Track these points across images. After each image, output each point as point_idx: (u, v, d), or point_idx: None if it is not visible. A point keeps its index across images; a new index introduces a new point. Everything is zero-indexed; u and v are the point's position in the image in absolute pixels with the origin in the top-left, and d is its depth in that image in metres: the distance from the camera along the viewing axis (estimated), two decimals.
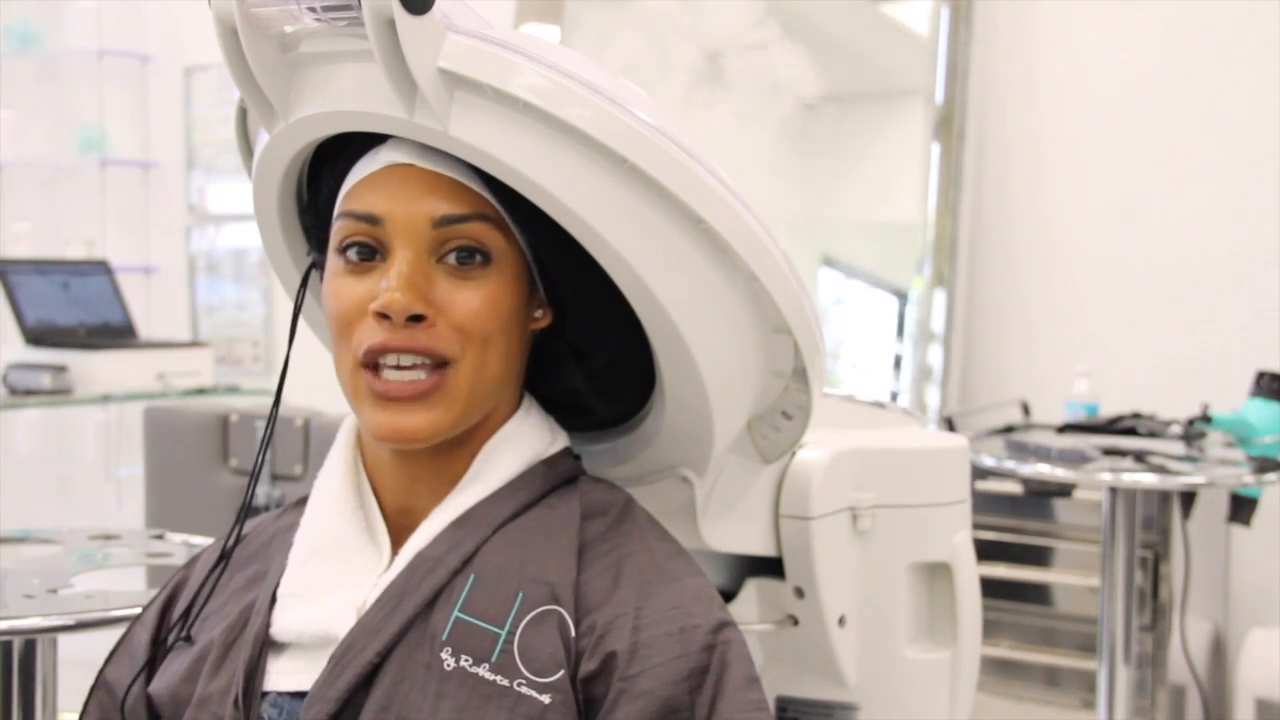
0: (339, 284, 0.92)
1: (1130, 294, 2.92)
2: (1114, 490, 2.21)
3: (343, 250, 0.92)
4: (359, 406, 0.93)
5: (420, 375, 0.90)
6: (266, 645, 0.92)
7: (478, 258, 0.91)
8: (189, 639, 0.98)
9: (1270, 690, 2.51)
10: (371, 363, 0.90)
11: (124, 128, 3.99)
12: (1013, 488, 2.61)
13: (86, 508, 3.88)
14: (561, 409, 1.03)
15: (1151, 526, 2.49)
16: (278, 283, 1.08)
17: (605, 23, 3.31)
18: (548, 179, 0.86)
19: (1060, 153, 3.00)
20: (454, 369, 0.90)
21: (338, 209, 0.93)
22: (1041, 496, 2.60)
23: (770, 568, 1.19)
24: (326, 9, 0.85)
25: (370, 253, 0.91)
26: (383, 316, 0.88)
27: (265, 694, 0.91)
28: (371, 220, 0.90)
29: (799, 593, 1.17)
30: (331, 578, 0.93)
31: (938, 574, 1.25)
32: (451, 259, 0.90)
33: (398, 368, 0.90)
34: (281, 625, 0.92)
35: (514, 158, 0.86)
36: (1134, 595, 2.23)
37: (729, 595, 1.20)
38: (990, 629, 2.61)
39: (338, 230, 0.92)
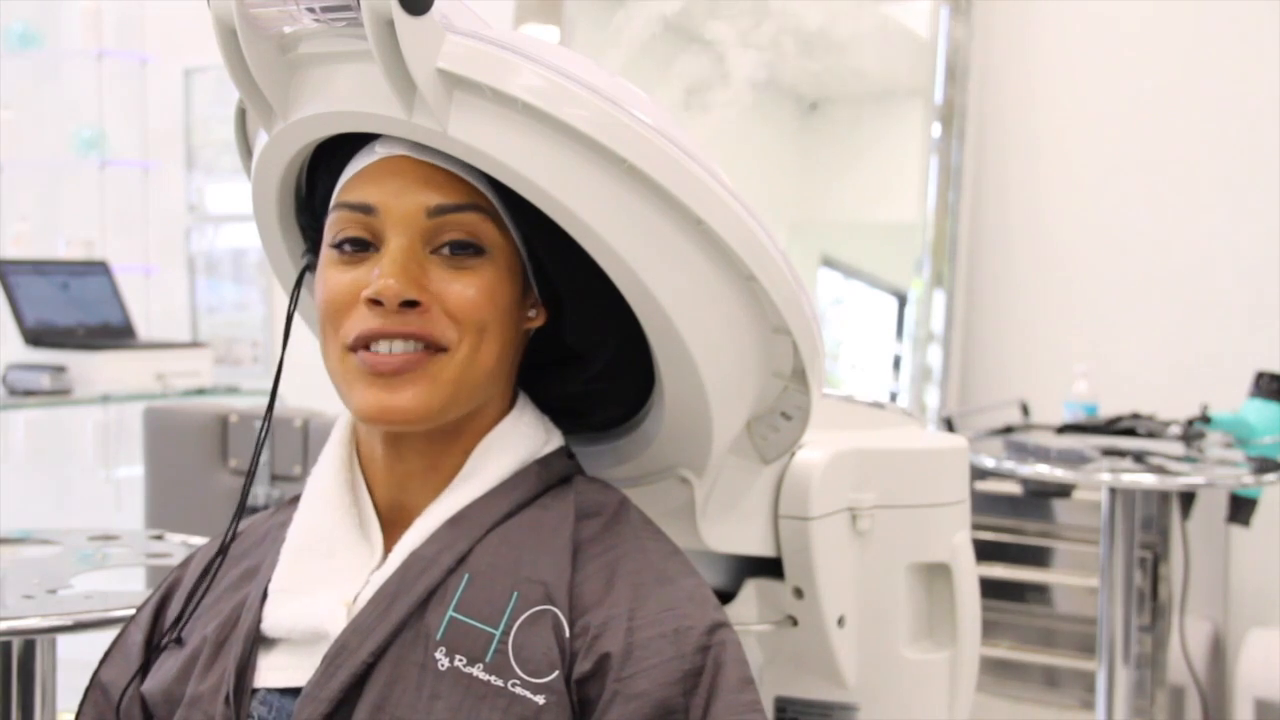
0: (331, 273, 0.92)
1: (1130, 294, 2.92)
2: (1113, 491, 2.20)
3: (337, 243, 0.92)
4: (347, 389, 0.92)
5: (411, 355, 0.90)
6: (257, 642, 0.92)
7: (471, 249, 0.91)
8: (180, 641, 0.98)
9: (1270, 690, 2.51)
10: (360, 347, 0.90)
11: (123, 128, 3.99)
12: (1012, 488, 2.61)
13: (86, 508, 3.88)
14: (561, 411, 1.02)
15: (1151, 527, 2.49)
16: (277, 283, 1.08)
17: (605, 23, 3.31)
18: (547, 179, 0.86)
19: (1060, 153, 3.00)
20: (448, 355, 0.90)
21: (332, 201, 0.93)
22: (1041, 497, 2.60)
23: (770, 568, 1.19)
24: (325, 9, 0.85)
25: (364, 246, 0.91)
26: (375, 303, 0.88)
27: (255, 691, 0.91)
28: (366, 210, 0.90)
29: (798, 593, 1.17)
30: (322, 574, 0.93)
31: (937, 574, 1.25)
32: (445, 250, 0.90)
33: (390, 355, 0.90)
34: (272, 621, 0.92)
35: (513, 158, 0.86)
36: (1133, 595, 2.23)
37: (728, 596, 1.20)
38: (990, 629, 2.61)
39: (332, 222, 0.92)
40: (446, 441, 0.95)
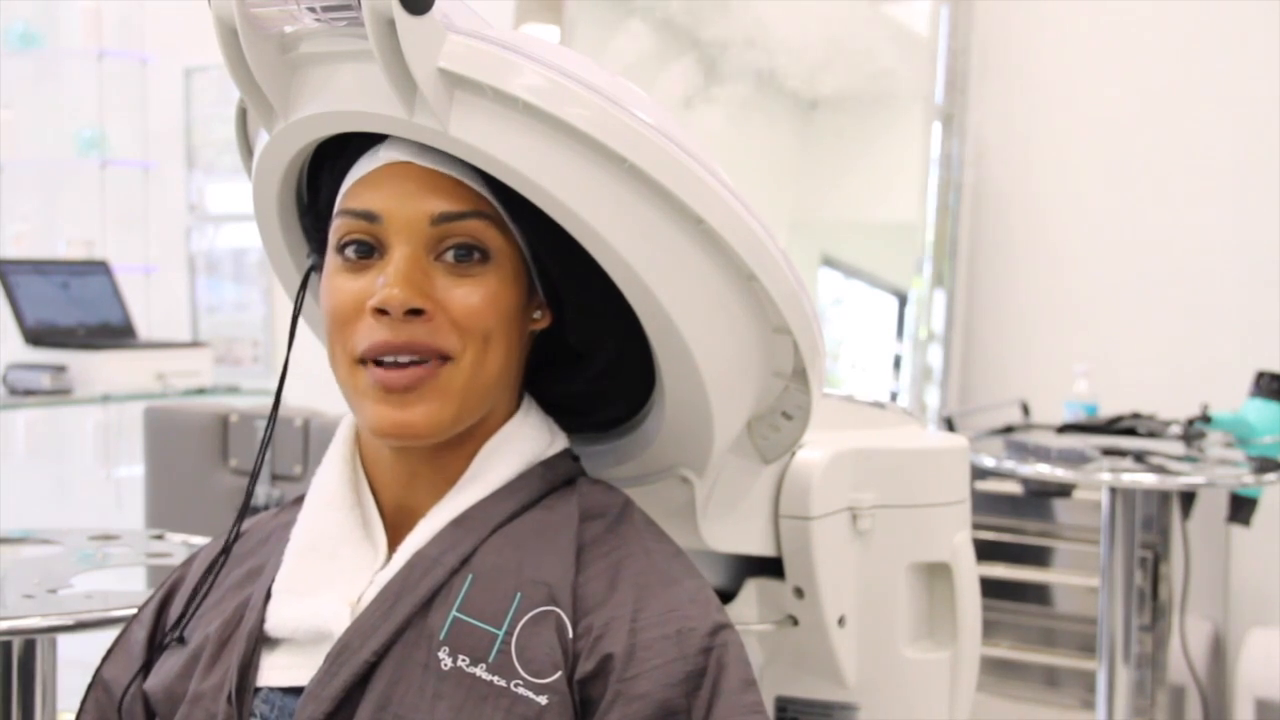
0: (336, 281, 0.92)
1: (1130, 294, 2.92)
2: (1114, 490, 2.20)
3: (341, 248, 0.92)
4: (358, 402, 0.92)
5: (419, 369, 0.90)
6: (260, 641, 0.92)
7: (476, 255, 0.91)
8: (182, 640, 0.98)
9: (1270, 690, 2.51)
10: (369, 361, 0.90)
11: (124, 128, 3.99)
12: (1013, 488, 2.61)
13: (86, 508, 3.88)
14: (561, 411, 1.03)
15: (1151, 526, 2.49)
16: (278, 283, 1.08)
17: (605, 22, 3.31)
18: (547, 179, 0.86)
19: (1060, 153, 3.00)
20: (454, 365, 0.90)
21: (336, 207, 0.93)
22: (1041, 496, 2.60)
23: (770, 568, 1.19)
24: (326, 9, 0.85)
25: (368, 250, 0.91)
26: (381, 312, 0.89)
27: (258, 690, 0.91)
28: (370, 218, 0.90)
29: (799, 593, 1.17)
30: (326, 574, 0.93)
31: (938, 574, 1.25)
32: (449, 256, 0.90)
33: (396, 365, 0.90)
34: (276, 621, 0.92)
35: (514, 158, 0.86)
36: (1134, 595, 2.23)
37: (729, 595, 1.20)
38: (990, 629, 2.61)
39: (336, 228, 0.92)
40: (452, 444, 0.94)
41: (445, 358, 0.90)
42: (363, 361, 0.91)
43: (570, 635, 0.88)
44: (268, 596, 0.94)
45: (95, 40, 3.90)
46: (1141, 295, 2.90)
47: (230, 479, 2.70)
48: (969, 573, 1.26)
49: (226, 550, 1.00)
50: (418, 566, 0.91)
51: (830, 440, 1.17)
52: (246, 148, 1.02)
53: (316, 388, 1.71)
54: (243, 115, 1.00)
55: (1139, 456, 2.21)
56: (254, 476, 1.00)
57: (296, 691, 0.89)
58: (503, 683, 0.86)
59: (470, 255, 0.90)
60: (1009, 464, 2.17)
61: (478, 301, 0.90)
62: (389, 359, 0.90)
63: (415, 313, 0.89)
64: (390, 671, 0.87)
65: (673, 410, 0.98)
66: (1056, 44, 2.99)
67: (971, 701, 1.28)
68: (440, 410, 0.90)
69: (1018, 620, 2.69)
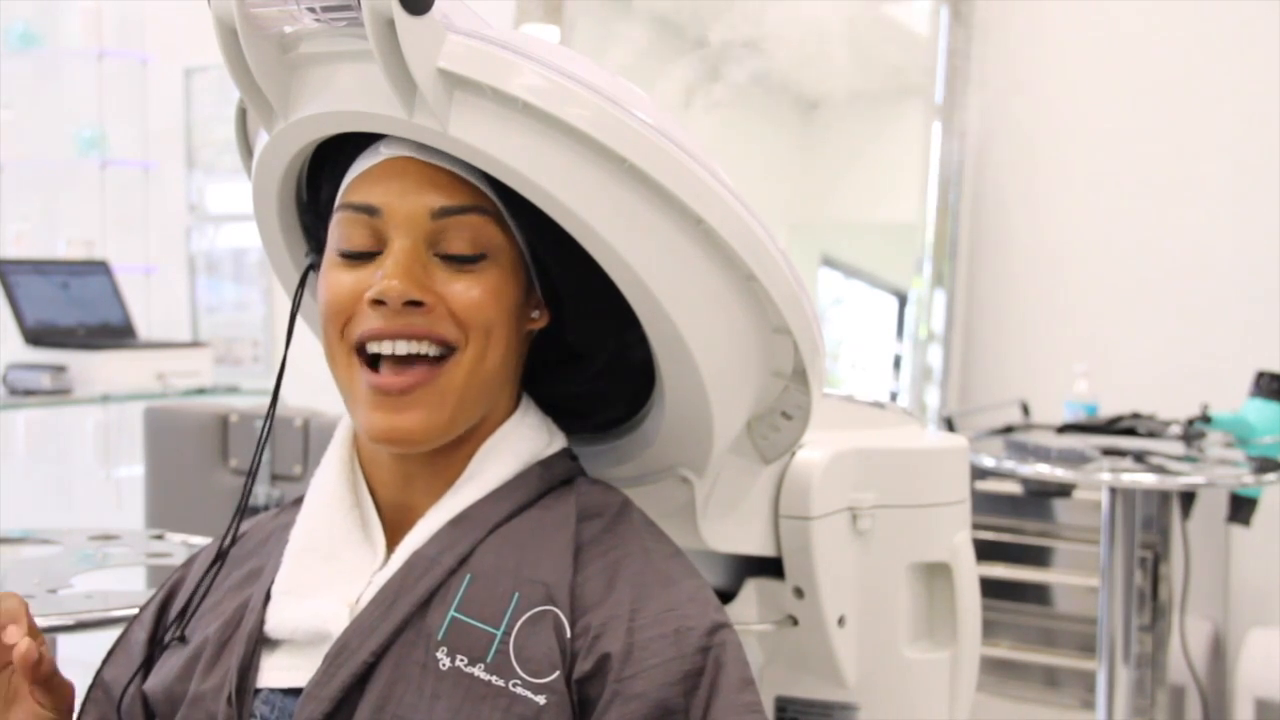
0: (335, 275, 0.92)
1: (1130, 294, 2.92)
2: (1114, 490, 2.20)
3: (341, 243, 0.92)
4: (354, 406, 0.92)
5: (418, 365, 0.89)
6: (260, 642, 0.92)
7: (475, 250, 0.91)
8: (183, 639, 0.98)
9: (1270, 690, 2.51)
10: (364, 348, 0.90)
11: (124, 128, 3.99)
12: (1012, 488, 2.61)
13: (86, 508, 3.88)
14: (561, 411, 1.03)
15: (1151, 526, 2.49)
16: (278, 283, 1.08)
17: (605, 22, 3.31)
18: (547, 179, 0.86)
19: (1060, 153, 3.00)
20: (455, 360, 0.90)
21: (337, 202, 0.94)
22: (1041, 496, 2.60)
23: (770, 568, 1.19)
24: (326, 9, 0.85)
25: (368, 245, 0.91)
26: (379, 303, 0.89)
27: (258, 691, 0.91)
28: (370, 211, 0.90)
29: (799, 593, 1.17)
30: (325, 575, 0.93)
31: (937, 574, 1.25)
32: (449, 251, 0.90)
33: (393, 357, 0.90)
34: (275, 622, 0.92)
35: (513, 158, 0.86)
36: (1134, 595, 2.23)
37: (729, 595, 1.20)
38: (990, 629, 2.61)
39: (336, 223, 0.93)
40: (450, 445, 0.94)
41: (448, 348, 0.90)
42: (360, 352, 0.91)
43: (568, 635, 0.88)
44: (267, 598, 0.94)
45: (95, 40, 3.90)
46: (1141, 295, 2.90)
47: (230, 479, 2.70)
48: (969, 573, 1.26)
49: (222, 555, 1.00)
50: (416, 567, 0.91)
51: (830, 440, 1.17)
52: (246, 148, 1.02)
53: (316, 388, 1.71)
54: (243, 115, 1.00)
55: (1139, 456, 2.21)
56: (251, 475, 1.00)
57: (296, 692, 0.89)
58: (501, 682, 0.86)
59: (469, 251, 0.90)
60: (1009, 464, 2.17)
61: (479, 294, 0.90)
62: (386, 351, 0.90)
63: (413, 304, 0.89)
64: (389, 671, 0.87)
65: (672, 410, 0.98)
66: (1056, 44, 2.99)
67: (971, 701, 1.28)
68: (436, 415, 0.90)
69: (1018, 620, 2.69)
